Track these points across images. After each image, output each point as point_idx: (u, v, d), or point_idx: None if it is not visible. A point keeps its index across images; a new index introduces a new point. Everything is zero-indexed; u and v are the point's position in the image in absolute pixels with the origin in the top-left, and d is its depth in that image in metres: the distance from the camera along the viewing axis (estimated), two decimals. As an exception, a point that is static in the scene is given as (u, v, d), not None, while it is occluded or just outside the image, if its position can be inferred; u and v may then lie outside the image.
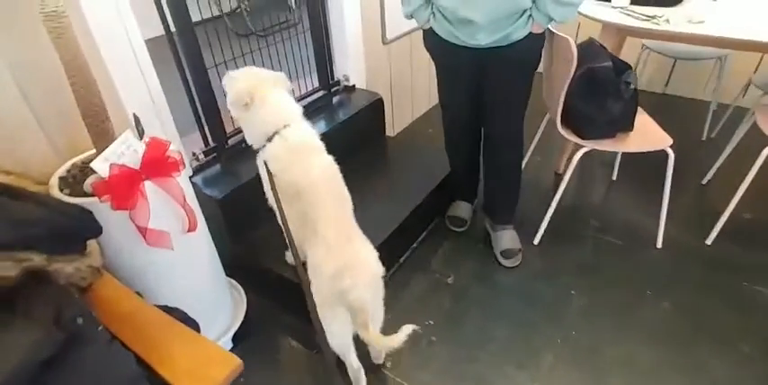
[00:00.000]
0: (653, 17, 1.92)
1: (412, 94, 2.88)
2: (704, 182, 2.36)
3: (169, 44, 1.54)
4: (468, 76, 1.68)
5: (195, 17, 1.60)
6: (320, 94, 2.14)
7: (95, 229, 0.93)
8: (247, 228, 1.75)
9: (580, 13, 2.08)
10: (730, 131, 2.58)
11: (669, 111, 3.07)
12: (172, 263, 1.27)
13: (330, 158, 1.39)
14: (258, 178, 1.43)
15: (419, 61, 2.81)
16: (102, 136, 1.15)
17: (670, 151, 1.78)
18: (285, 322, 1.70)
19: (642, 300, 1.75)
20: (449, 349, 1.60)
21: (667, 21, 1.88)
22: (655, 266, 1.90)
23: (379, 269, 1.27)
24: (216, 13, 3.07)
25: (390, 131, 2.69)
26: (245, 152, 1.84)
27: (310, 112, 2.05)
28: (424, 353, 1.59)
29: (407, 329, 1.20)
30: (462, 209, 2.12)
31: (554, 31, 1.72)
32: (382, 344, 1.21)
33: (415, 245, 2.03)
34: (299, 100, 1.98)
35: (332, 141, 1.99)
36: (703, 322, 1.67)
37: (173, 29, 1.54)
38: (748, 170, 1.83)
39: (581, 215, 2.16)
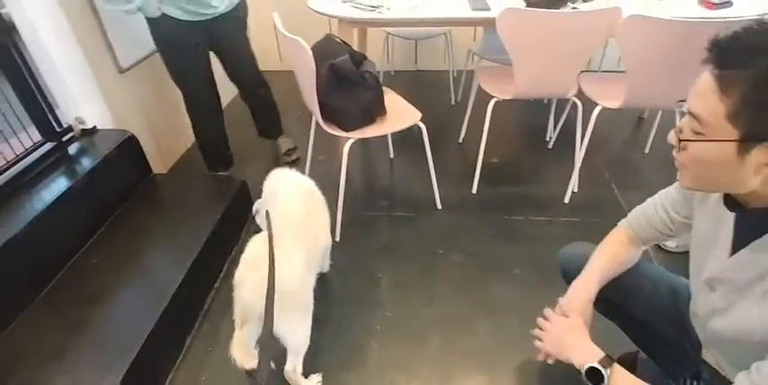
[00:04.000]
0: (377, 7, 1.94)
1: (177, 121, 2.42)
2: (460, 140, 2.58)
3: None
4: (203, 48, 1.90)
5: None
6: (48, 147, 1.69)
7: None
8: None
9: (314, 10, 2.01)
10: (468, 93, 2.86)
11: (422, 84, 3.29)
12: None
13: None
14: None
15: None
16: None
17: (421, 124, 1.86)
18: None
19: (437, 260, 1.84)
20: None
21: (389, 9, 1.92)
22: (440, 226, 2.01)
23: (288, 287, 1.14)
24: None
25: (162, 168, 2.29)
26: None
27: (40, 172, 1.62)
28: None
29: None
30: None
31: (286, 34, 1.60)
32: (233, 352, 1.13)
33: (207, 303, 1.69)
34: (15, 162, 1.57)
35: (80, 199, 1.63)
36: (487, 261, 1.82)
37: None
38: (491, 124, 2.02)
39: (371, 198, 2.18)
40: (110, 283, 1.51)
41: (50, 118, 1.70)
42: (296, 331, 1.22)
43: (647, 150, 2.46)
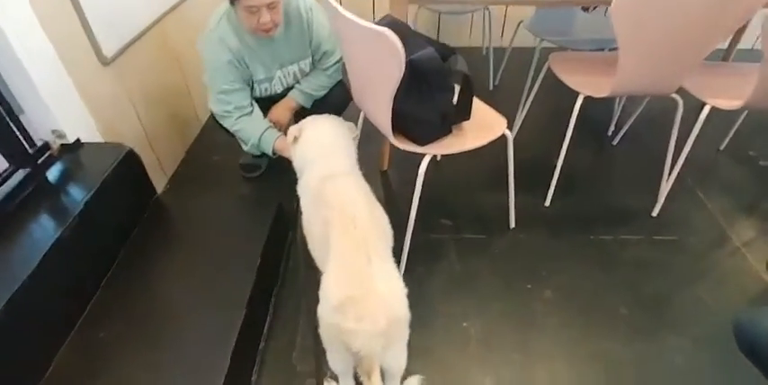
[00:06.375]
0: (444, -23, 1.47)
1: (174, 118, 1.92)
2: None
3: None
4: None
5: None
6: (21, 175, 1.18)
7: None
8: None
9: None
10: (511, 76, 2.44)
11: (449, 63, 2.82)
12: None
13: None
14: None
15: (166, 64, 1.87)
16: None
17: (508, 133, 1.46)
18: None
19: (526, 298, 1.49)
20: None
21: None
22: (517, 251, 1.65)
23: (402, 311, 0.97)
24: None
25: (161, 179, 1.79)
26: None
27: (12, 215, 1.13)
28: None
29: (415, 381, 1.08)
30: (258, 158, 1.83)
31: (362, 23, 1.14)
32: None
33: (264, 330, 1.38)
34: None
35: (72, 250, 1.13)
36: (585, 298, 1.50)
37: None
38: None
39: (430, 216, 1.75)
40: (130, 373, 1.09)
41: (19, 136, 1.19)
42: (401, 359, 1.08)
43: (722, 147, 2.15)
